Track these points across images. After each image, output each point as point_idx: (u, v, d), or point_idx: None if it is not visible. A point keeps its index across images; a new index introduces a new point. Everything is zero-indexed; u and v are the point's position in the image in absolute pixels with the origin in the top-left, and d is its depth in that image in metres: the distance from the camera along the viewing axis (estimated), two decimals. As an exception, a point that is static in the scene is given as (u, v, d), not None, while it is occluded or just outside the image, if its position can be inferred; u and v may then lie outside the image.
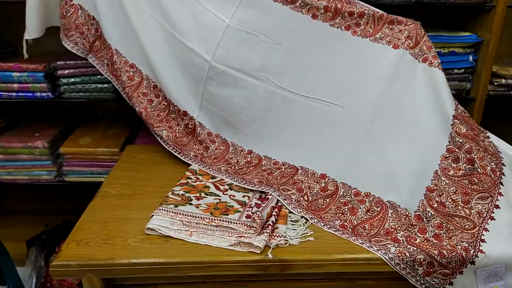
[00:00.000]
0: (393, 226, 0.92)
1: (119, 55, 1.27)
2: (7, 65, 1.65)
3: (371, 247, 0.86)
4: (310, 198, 1.00)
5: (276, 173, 1.08)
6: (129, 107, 1.56)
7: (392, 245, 0.86)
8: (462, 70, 1.76)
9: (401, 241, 0.88)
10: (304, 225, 0.92)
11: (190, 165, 1.15)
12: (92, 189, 1.16)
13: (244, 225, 0.88)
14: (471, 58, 1.62)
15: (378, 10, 1.07)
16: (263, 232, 0.86)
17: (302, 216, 0.95)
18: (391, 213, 0.94)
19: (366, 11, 1.06)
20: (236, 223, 0.89)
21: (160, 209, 0.91)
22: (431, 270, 0.83)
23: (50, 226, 2.05)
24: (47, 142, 1.76)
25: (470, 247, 0.85)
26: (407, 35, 1.04)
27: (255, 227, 0.86)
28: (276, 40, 1.10)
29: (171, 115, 1.25)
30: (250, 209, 0.95)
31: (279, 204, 0.97)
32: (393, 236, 0.90)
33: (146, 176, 1.12)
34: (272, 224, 0.88)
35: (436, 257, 0.83)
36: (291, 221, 0.93)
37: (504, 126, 1.27)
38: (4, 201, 2.29)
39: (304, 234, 0.89)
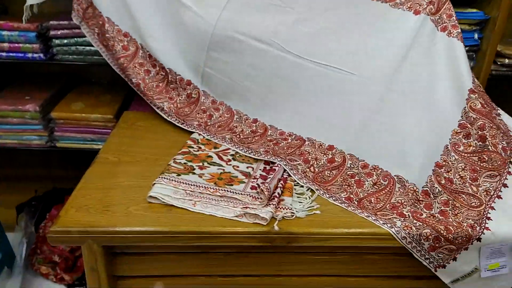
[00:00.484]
0: (399, 201, 0.91)
1: (111, 23, 1.21)
2: (-5, 22, 1.57)
3: (377, 220, 0.85)
4: (317, 169, 0.98)
5: (282, 143, 1.05)
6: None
7: (398, 219, 0.86)
8: (467, 48, 1.73)
9: (407, 216, 0.87)
10: (310, 198, 0.90)
11: (192, 133, 1.11)
12: (85, 156, 1.12)
13: (250, 196, 0.86)
14: (476, 36, 1.59)
15: None
16: (269, 204, 0.84)
17: (308, 189, 0.93)
18: (399, 187, 0.93)
19: None
20: (241, 194, 0.87)
21: (162, 177, 0.89)
22: (437, 245, 0.83)
23: (40, 193, 2.01)
24: (38, 106, 1.70)
25: (476, 224, 0.85)
26: (429, 0, 0.99)
27: (262, 199, 0.84)
28: (288, 4, 1.05)
29: (171, 85, 1.21)
30: (255, 180, 0.92)
31: (285, 176, 0.95)
32: (399, 211, 0.88)
33: (146, 143, 1.08)
34: (278, 196, 0.86)
35: (442, 232, 0.83)
36: (296, 193, 0.91)
37: (506, 107, 1.26)
38: (-7, 166, 2.23)
39: (310, 207, 0.87)
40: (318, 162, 1.00)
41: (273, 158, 0.99)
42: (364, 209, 0.88)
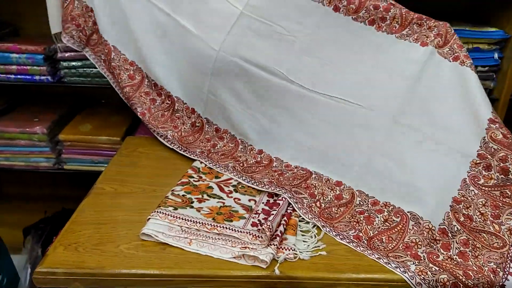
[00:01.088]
0: (413, 240, 0.83)
1: (117, 52, 1.19)
2: (5, 45, 1.57)
3: (389, 263, 0.77)
4: (323, 205, 0.92)
5: (287, 174, 1.00)
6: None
7: (412, 263, 0.78)
8: (486, 68, 1.66)
9: (422, 258, 0.79)
10: (315, 236, 0.83)
11: (194, 161, 1.06)
12: (93, 178, 1.08)
13: (249, 235, 0.80)
14: (496, 55, 1.53)
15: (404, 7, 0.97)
16: (270, 244, 0.77)
17: (313, 226, 0.86)
18: (412, 225, 0.85)
19: (392, 6, 0.96)
20: (240, 231, 0.81)
21: (158, 212, 0.83)
22: None
23: (49, 213, 1.99)
24: (46, 128, 1.69)
25: (498, 269, 0.76)
26: (436, 33, 0.94)
27: (262, 238, 0.77)
28: (292, 32, 1.01)
29: (176, 114, 1.17)
30: (257, 215, 0.86)
31: (289, 211, 0.88)
32: (413, 252, 0.81)
33: (146, 172, 1.04)
34: (280, 234, 0.80)
35: (461, 277, 0.75)
36: (301, 231, 0.85)
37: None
38: (0, 187, 2.23)
39: (315, 247, 0.80)
40: (324, 197, 0.93)
41: (278, 189, 0.93)
42: (374, 249, 0.81)
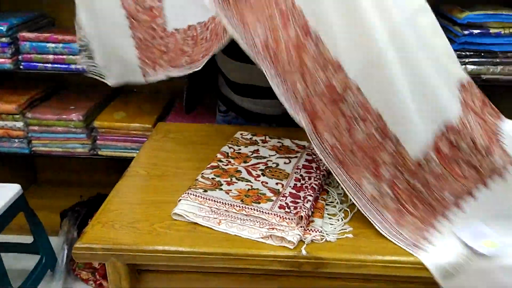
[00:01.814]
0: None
1: None
2: (43, 35, 1.65)
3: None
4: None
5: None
6: (163, 83, 1.49)
7: None
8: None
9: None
10: (342, 219, 0.84)
11: (222, 146, 1.09)
12: (126, 164, 1.12)
13: (277, 216, 0.81)
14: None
15: None
16: (298, 226, 0.79)
17: (340, 209, 0.87)
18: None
19: None
20: (268, 213, 0.83)
21: (188, 193, 0.87)
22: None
23: (84, 198, 2.08)
24: (82, 115, 1.77)
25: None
26: None
27: (289, 220, 0.79)
28: None
29: None
30: (284, 198, 0.88)
31: (316, 195, 0.90)
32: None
33: (177, 156, 1.07)
34: (307, 217, 0.81)
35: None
36: (328, 214, 0.86)
37: None
38: (39, 172, 2.34)
39: (342, 230, 0.81)
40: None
41: None
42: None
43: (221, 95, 1.33)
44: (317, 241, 0.78)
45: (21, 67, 1.70)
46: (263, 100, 1.19)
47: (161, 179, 0.97)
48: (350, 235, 0.80)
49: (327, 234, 0.79)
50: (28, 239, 1.78)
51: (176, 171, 1.00)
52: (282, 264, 0.76)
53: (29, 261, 1.75)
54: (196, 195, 0.86)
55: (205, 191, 0.88)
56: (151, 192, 0.92)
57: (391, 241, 0.79)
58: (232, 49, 1.10)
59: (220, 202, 0.85)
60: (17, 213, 1.60)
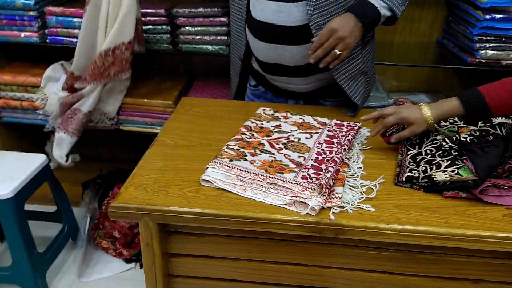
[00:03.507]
0: None
1: None
2: (69, 10, 1.68)
3: None
4: None
5: None
6: (183, 61, 1.53)
7: None
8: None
9: None
10: (363, 193, 0.88)
11: (244, 121, 1.13)
12: (145, 140, 1.17)
13: (300, 186, 0.85)
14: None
15: None
16: (319, 195, 0.83)
17: (360, 184, 0.91)
18: None
19: None
20: (291, 182, 0.87)
21: (215, 162, 0.91)
22: None
23: (104, 172, 2.13)
24: (105, 90, 1.80)
25: None
26: None
27: (312, 189, 0.83)
28: None
29: None
30: (306, 170, 0.92)
31: (337, 167, 0.93)
32: None
33: (201, 128, 1.11)
34: (329, 187, 0.85)
35: None
36: (349, 185, 0.89)
37: None
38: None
39: (362, 199, 0.85)
40: None
41: None
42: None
43: (253, 70, 1.36)
44: (338, 209, 0.82)
45: (47, 41, 1.74)
46: (289, 77, 1.23)
47: (187, 149, 1.01)
48: (370, 206, 0.84)
49: (347, 202, 0.83)
50: (51, 208, 1.85)
51: (201, 141, 1.05)
52: (305, 229, 0.80)
53: (52, 230, 1.82)
54: (222, 164, 0.90)
55: (231, 160, 0.92)
56: (178, 160, 0.96)
57: (411, 213, 0.82)
58: (259, 30, 1.14)
59: (245, 171, 0.90)
60: (43, 182, 1.66)
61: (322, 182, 0.83)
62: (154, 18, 1.67)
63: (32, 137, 2.16)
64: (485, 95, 0.88)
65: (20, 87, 1.80)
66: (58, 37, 1.73)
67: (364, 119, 1.04)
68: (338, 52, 1.04)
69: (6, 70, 1.85)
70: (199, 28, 1.68)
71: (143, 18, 1.66)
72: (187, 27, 1.68)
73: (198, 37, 1.69)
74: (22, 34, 1.72)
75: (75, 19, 1.68)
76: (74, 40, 1.72)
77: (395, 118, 0.97)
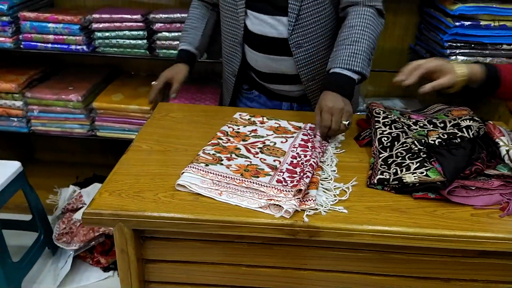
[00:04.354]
0: None
1: None
2: (43, 15, 1.66)
3: None
4: None
5: None
6: (160, 65, 1.53)
7: None
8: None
9: None
10: (336, 195, 0.89)
11: (222, 126, 1.13)
12: (122, 145, 1.16)
13: (275, 189, 0.87)
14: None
15: None
16: (294, 198, 0.84)
17: (334, 186, 0.92)
18: None
19: None
20: (266, 186, 0.88)
21: (191, 167, 0.91)
22: None
23: (81, 179, 2.11)
24: (81, 96, 1.79)
25: None
26: None
27: (286, 192, 0.84)
28: None
29: None
30: (281, 173, 0.93)
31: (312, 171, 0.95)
32: None
33: (177, 134, 1.11)
34: (303, 190, 0.86)
35: None
36: (322, 188, 0.91)
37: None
38: (35, 152, 2.36)
39: (335, 202, 0.87)
40: None
41: None
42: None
43: (247, 77, 1.39)
44: (312, 211, 0.83)
45: (21, 46, 1.72)
46: (286, 85, 1.30)
47: (163, 154, 1.01)
48: (342, 208, 0.85)
49: (321, 205, 0.85)
50: (26, 217, 1.82)
51: (177, 147, 1.05)
52: (279, 232, 0.81)
53: (28, 239, 1.78)
54: (198, 169, 0.91)
55: (207, 165, 0.93)
56: (154, 165, 0.96)
57: (381, 214, 0.84)
58: (257, 43, 1.21)
59: (221, 175, 0.90)
60: (17, 190, 1.63)
61: (301, 188, 0.84)
62: (131, 23, 1.67)
63: (6, 144, 2.12)
64: (501, 70, 0.97)
65: (-7, 93, 1.77)
66: (32, 43, 1.71)
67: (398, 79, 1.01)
68: (347, 122, 1.05)
69: (-22, 77, 1.81)
70: (176, 34, 1.68)
71: (119, 24, 1.65)
72: (164, 33, 1.69)
73: (175, 43, 1.70)
74: (-5, 39, 1.69)
75: (50, 25, 1.67)
76: (49, 45, 1.71)
77: (436, 63, 0.98)
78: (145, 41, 1.70)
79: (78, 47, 1.69)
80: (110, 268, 1.77)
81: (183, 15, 1.65)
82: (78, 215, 1.77)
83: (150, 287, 0.94)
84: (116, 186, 0.88)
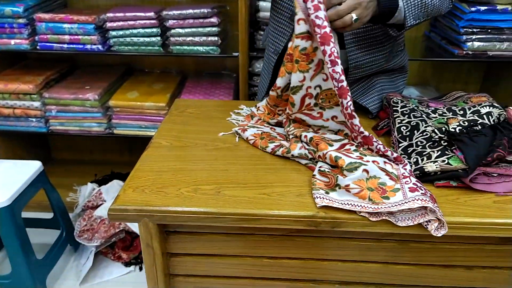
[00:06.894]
0: None
1: None
2: (58, 16, 1.68)
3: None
4: None
5: None
6: (174, 61, 1.54)
7: None
8: None
9: None
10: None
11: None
12: (139, 143, 1.17)
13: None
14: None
15: None
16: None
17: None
18: None
19: None
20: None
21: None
22: None
23: (99, 176, 2.14)
24: (98, 95, 1.81)
25: None
26: None
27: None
28: None
29: None
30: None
31: None
32: None
33: (196, 129, 1.12)
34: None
35: None
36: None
37: None
38: (53, 151, 2.40)
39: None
40: None
41: None
42: None
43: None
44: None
45: (37, 47, 1.74)
46: None
47: (183, 149, 1.03)
48: (364, 198, 0.86)
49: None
50: (48, 215, 1.86)
51: (196, 142, 1.06)
52: (301, 223, 0.82)
53: (50, 236, 1.82)
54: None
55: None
56: (174, 161, 0.98)
57: (402, 203, 0.84)
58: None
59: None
60: (39, 189, 1.66)
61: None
62: (144, 21, 1.68)
63: (26, 144, 2.16)
64: None
65: (12, 94, 1.80)
66: (48, 44, 1.74)
67: None
68: (355, 17, 0.94)
69: (-3, 78, 1.85)
70: (189, 30, 1.69)
71: (133, 22, 1.67)
72: (177, 29, 1.70)
73: (188, 39, 1.70)
74: (12, 41, 1.72)
75: (65, 25, 1.69)
76: (65, 46, 1.73)
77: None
78: (159, 38, 1.71)
79: (94, 46, 1.70)
80: (131, 263, 1.80)
81: (195, 11, 1.66)
82: (98, 212, 1.80)
83: (175, 280, 0.96)
84: (139, 182, 0.89)
